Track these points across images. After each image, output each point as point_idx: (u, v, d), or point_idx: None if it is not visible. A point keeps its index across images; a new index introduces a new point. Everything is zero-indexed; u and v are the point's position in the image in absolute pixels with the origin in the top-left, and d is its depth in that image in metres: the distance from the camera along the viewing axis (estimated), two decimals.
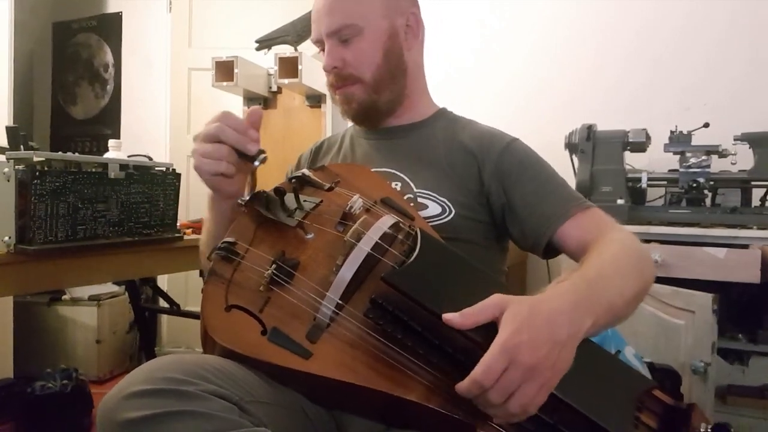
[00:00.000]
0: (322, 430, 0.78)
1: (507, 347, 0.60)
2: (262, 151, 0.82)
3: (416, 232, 0.79)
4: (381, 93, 1.02)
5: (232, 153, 0.82)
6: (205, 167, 0.83)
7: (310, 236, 0.83)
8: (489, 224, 0.98)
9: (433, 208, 0.95)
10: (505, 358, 0.60)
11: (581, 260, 0.81)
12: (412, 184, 0.98)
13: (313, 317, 0.73)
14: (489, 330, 0.63)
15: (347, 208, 0.84)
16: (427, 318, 0.67)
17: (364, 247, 0.75)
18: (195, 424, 0.59)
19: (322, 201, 0.87)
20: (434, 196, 0.95)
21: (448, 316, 0.64)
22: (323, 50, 1.02)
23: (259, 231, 0.83)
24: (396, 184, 0.98)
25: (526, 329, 0.61)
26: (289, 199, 0.86)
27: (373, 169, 0.99)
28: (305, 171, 0.91)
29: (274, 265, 0.76)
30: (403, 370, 0.68)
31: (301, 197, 0.86)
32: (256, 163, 0.82)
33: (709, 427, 0.70)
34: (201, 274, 1.54)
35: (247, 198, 0.85)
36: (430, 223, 0.92)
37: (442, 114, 1.10)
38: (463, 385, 0.61)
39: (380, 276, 0.70)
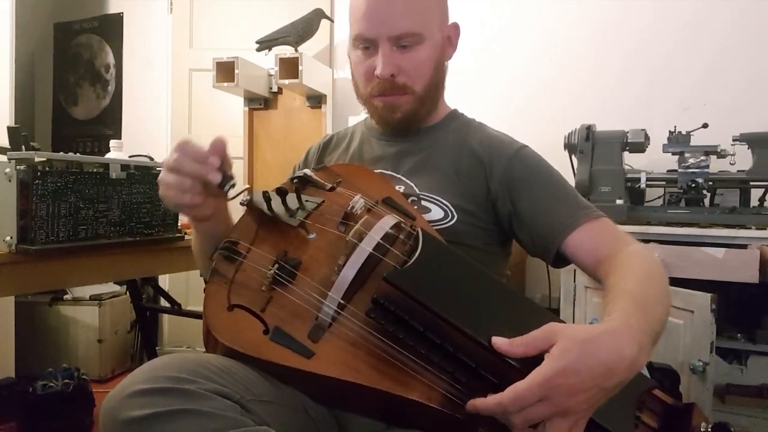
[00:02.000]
0: (323, 429, 0.78)
1: (546, 386, 0.57)
2: (229, 178, 0.80)
3: (418, 232, 0.79)
4: (424, 105, 1.00)
5: (195, 184, 0.80)
6: (169, 200, 0.81)
7: (312, 236, 0.83)
8: (492, 230, 0.97)
9: (436, 212, 0.94)
10: (541, 394, 0.57)
11: (613, 281, 0.76)
12: (415, 188, 0.97)
13: (315, 317, 0.73)
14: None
15: (349, 208, 0.84)
16: (428, 317, 0.67)
17: (365, 247, 0.75)
18: (197, 423, 0.60)
19: (323, 201, 0.88)
20: (438, 200, 0.95)
21: (498, 342, 0.62)
22: (363, 49, 0.96)
23: (262, 231, 0.84)
24: (399, 187, 0.98)
25: (573, 374, 0.57)
26: (291, 199, 0.86)
27: (377, 171, 0.99)
28: (307, 171, 0.91)
29: (276, 265, 0.77)
30: (405, 370, 0.68)
31: (303, 197, 0.87)
32: (226, 189, 0.81)
33: (709, 426, 0.70)
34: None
35: (249, 198, 0.86)
36: (433, 227, 0.92)
37: (454, 116, 1.09)
38: (488, 404, 0.59)
39: (382, 276, 0.70)
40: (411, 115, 1.00)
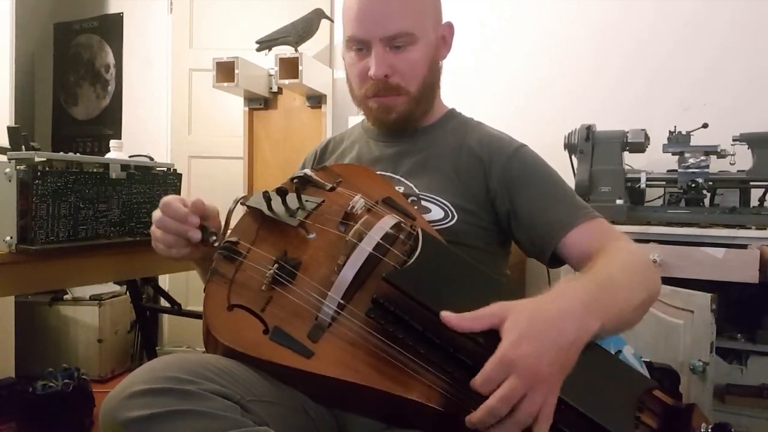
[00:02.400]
0: (323, 429, 0.78)
1: (504, 360, 0.60)
2: (210, 234, 0.84)
3: (418, 233, 0.79)
4: (420, 105, 1.00)
5: (179, 239, 0.85)
6: (159, 251, 0.88)
7: (311, 236, 0.83)
8: (492, 230, 0.98)
9: (436, 212, 0.94)
10: (504, 371, 0.60)
11: (589, 265, 0.80)
12: (415, 189, 0.97)
13: (314, 317, 0.73)
14: (494, 334, 0.63)
15: (349, 208, 0.84)
16: (428, 318, 0.67)
17: (365, 247, 0.75)
18: (197, 423, 0.60)
19: (323, 201, 0.88)
20: (438, 200, 0.95)
21: (446, 315, 0.65)
22: (356, 50, 0.97)
23: (262, 231, 0.84)
24: (399, 188, 0.98)
25: (526, 339, 0.61)
26: (291, 198, 0.86)
27: (377, 172, 0.99)
28: (307, 171, 0.91)
29: (276, 265, 0.77)
30: (405, 370, 0.68)
31: (303, 197, 0.87)
32: (210, 241, 0.85)
33: (710, 427, 0.70)
34: None
35: (249, 198, 0.86)
36: (433, 227, 0.92)
37: (452, 115, 1.09)
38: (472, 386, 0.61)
39: (382, 276, 0.70)
40: (406, 116, 1.00)
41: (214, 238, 0.84)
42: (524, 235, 0.94)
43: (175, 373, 0.63)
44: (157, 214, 0.86)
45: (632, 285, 0.76)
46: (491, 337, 0.63)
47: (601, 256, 0.81)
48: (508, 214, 0.95)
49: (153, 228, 0.87)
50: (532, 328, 0.62)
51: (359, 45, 0.96)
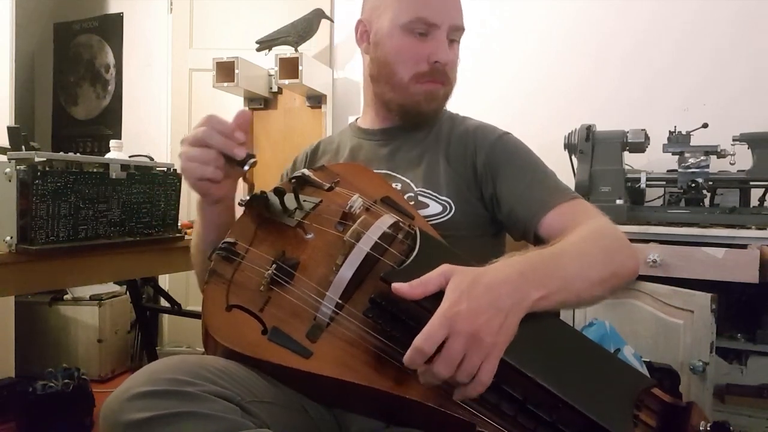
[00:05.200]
0: (324, 429, 0.79)
1: (447, 316, 0.61)
2: (251, 156, 0.82)
3: (416, 232, 0.79)
4: (447, 100, 1.04)
5: (219, 157, 0.82)
6: (192, 171, 0.82)
7: (309, 236, 0.83)
8: (486, 217, 0.99)
9: (434, 207, 0.95)
10: (445, 328, 0.61)
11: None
12: (412, 184, 0.98)
13: (313, 317, 0.73)
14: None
15: (347, 208, 0.84)
16: (425, 317, 0.67)
17: (363, 246, 0.75)
18: (197, 426, 0.60)
19: (321, 201, 0.87)
20: (435, 195, 0.96)
21: (397, 286, 0.65)
22: (419, 33, 0.97)
23: (260, 231, 0.84)
24: (396, 185, 0.98)
25: (466, 298, 0.62)
26: (289, 199, 0.86)
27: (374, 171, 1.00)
28: (305, 171, 0.91)
29: (274, 265, 0.77)
30: (403, 369, 0.68)
31: (301, 197, 0.87)
32: (246, 167, 0.82)
33: (709, 425, 0.70)
34: None
35: (247, 198, 0.85)
36: (431, 222, 0.93)
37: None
38: (406, 355, 0.62)
39: (379, 275, 0.70)
40: (440, 108, 1.04)
41: (254, 160, 0.82)
42: (507, 217, 0.95)
43: (175, 375, 0.63)
44: (198, 130, 0.81)
45: (587, 259, 0.75)
46: None
47: (567, 232, 0.81)
48: (491, 198, 0.97)
49: (186, 147, 0.82)
50: (472, 290, 0.63)
51: (425, 28, 0.97)
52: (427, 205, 0.95)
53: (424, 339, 0.61)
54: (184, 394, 0.61)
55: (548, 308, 0.69)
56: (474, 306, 0.62)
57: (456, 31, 0.99)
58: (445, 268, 0.66)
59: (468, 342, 0.61)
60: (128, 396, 0.62)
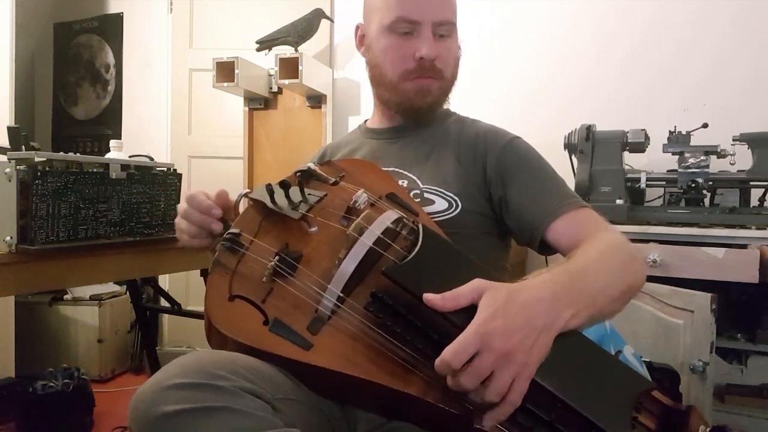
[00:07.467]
0: (336, 426, 0.79)
1: (480, 332, 0.61)
2: (230, 226, 0.86)
3: (419, 228, 0.79)
4: (446, 95, 1.05)
5: (202, 230, 0.90)
6: (181, 242, 0.95)
7: (313, 229, 0.84)
8: (493, 218, 0.99)
9: (440, 204, 0.96)
10: (477, 343, 0.60)
11: (567, 256, 0.83)
12: (418, 181, 0.99)
13: (314, 309, 0.74)
14: (471, 315, 0.64)
15: (351, 203, 0.85)
16: (426, 313, 0.67)
17: (366, 241, 0.76)
18: (230, 421, 0.60)
19: (326, 195, 0.88)
20: (441, 192, 0.97)
21: (429, 297, 0.65)
22: (403, 32, 0.98)
23: (264, 223, 0.85)
24: (402, 182, 0.99)
25: (501, 315, 0.62)
26: (294, 192, 0.87)
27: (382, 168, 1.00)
28: (310, 165, 0.92)
29: (277, 257, 0.77)
30: (403, 364, 0.68)
31: (306, 191, 0.88)
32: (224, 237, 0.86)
33: (708, 429, 0.70)
34: (202, 274, 1.55)
35: (252, 191, 0.86)
36: (437, 218, 0.93)
37: (449, 113, 1.12)
38: (436, 363, 0.62)
39: (381, 270, 0.71)
40: (438, 102, 1.04)
41: (229, 234, 0.85)
42: (514, 222, 0.96)
43: (208, 369, 0.63)
44: (182, 205, 0.91)
45: (608, 276, 0.76)
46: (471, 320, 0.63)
47: (582, 246, 0.82)
48: (500, 201, 0.97)
49: (178, 219, 0.93)
50: (508, 308, 0.63)
51: (408, 27, 0.98)
52: (433, 202, 0.96)
53: (454, 353, 0.60)
54: (218, 388, 0.61)
55: (576, 327, 0.70)
56: (510, 324, 0.62)
57: (442, 26, 0.98)
58: (477, 283, 0.66)
59: (499, 360, 0.60)
60: (161, 387, 0.61)
